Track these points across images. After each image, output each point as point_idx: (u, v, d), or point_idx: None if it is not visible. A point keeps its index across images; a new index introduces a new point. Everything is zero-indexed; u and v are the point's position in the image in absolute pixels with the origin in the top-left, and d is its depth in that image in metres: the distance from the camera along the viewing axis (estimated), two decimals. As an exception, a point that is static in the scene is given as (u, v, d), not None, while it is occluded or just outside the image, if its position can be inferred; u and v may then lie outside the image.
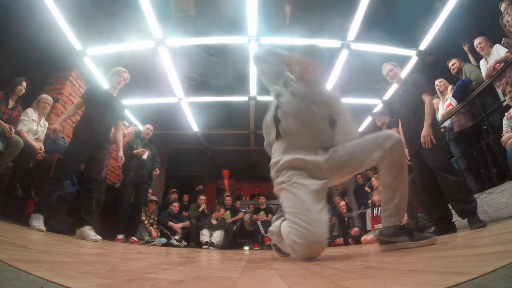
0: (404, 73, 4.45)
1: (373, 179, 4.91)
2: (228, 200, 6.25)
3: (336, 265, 1.08)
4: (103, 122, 3.08)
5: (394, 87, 4.89)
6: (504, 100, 2.70)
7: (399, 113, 2.97)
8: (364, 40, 3.97)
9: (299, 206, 1.31)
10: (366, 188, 5.26)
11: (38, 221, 2.54)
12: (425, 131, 2.52)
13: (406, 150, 3.03)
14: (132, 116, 5.84)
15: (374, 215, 4.36)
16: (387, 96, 5.20)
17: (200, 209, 5.62)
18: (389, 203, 1.43)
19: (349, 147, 1.49)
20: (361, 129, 6.52)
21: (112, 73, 3.29)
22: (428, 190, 2.65)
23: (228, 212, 6.01)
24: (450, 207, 2.56)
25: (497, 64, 2.90)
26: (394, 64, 2.98)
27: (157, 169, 4.50)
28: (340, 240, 4.93)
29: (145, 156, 4.24)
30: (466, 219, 2.30)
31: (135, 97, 5.21)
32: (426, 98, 2.65)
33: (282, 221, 1.58)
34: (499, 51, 2.96)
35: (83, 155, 2.92)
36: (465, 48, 3.55)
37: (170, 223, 5.10)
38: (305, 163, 1.45)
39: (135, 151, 4.21)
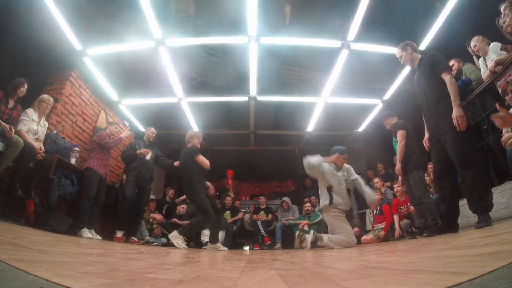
0: (405, 72, 4.46)
1: (376, 179, 4.90)
2: (228, 200, 6.24)
3: (336, 265, 1.08)
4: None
5: (394, 87, 4.91)
6: (504, 100, 2.69)
7: (418, 97, 2.69)
8: (364, 40, 3.95)
9: (347, 228, 3.24)
10: None
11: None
12: (456, 112, 2.20)
13: (427, 136, 2.70)
14: (132, 116, 5.84)
15: (374, 214, 4.35)
16: (387, 96, 5.19)
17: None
18: None
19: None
20: (361, 129, 6.53)
21: None
22: (443, 184, 2.47)
23: (228, 212, 6.01)
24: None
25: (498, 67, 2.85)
26: (402, 47, 2.74)
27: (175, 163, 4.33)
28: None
29: (148, 157, 4.25)
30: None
31: (135, 97, 5.22)
32: (446, 77, 2.35)
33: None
34: (496, 50, 2.94)
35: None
36: (470, 50, 3.48)
37: (174, 220, 5.13)
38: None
39: (138, 152, 4.21)
